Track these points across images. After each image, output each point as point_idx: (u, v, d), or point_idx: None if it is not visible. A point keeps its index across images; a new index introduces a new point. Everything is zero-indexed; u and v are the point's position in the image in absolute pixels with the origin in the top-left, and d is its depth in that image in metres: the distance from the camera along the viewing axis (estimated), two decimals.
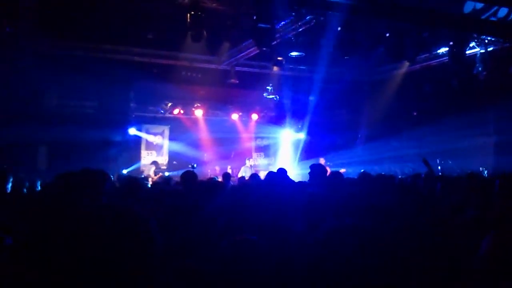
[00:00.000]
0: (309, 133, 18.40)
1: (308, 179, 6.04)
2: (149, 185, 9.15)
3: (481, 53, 12.75)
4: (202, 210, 3.48)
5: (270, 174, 6.66)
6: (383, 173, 10.37)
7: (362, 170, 12.61)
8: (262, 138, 19.38)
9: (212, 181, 4.94)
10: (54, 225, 2.22)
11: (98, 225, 1.40)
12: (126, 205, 1.50)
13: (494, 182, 3.80)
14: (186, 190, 4.57)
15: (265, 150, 19.46)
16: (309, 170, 5.94)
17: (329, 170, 13.80)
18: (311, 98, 16.81)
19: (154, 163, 15.27)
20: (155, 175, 13.93)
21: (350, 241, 1.65)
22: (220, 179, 9.76)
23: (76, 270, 1.34)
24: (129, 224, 1.43)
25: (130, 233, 1.40)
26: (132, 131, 16.22)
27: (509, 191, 3.51)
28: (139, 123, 16.63)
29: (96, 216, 1.45)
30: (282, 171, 6.34)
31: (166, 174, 15.33)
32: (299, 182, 7.03)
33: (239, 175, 13.72)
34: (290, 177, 7.61)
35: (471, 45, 12.54)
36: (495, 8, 10.36)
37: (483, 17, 10.40)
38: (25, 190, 5.95)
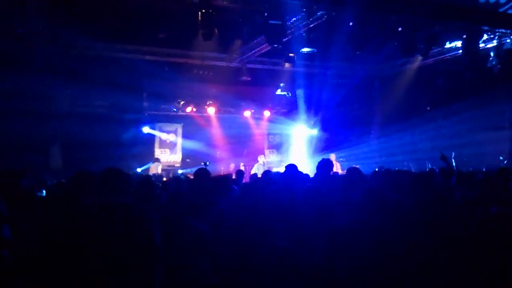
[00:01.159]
0: (321, 129, 18.35)
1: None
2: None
3: (495, 46, 12.60)
4: (215, 207, 3.50)
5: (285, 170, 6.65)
6: (397, 168, 10.31)
7: (377, 167, 12.61)
8: (274, 135, 19.36)
9: (224, 177, 4.95)
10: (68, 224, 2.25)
11: (100, 221, 1.41)
12: (129, 202, 1.50)
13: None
14: (199, 186, 4.61)
15: (278, 147, 19.44)
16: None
17: (339, 166, 13.83)
18: (324, 94, 16.74)
19: (157, 160, 15.38)
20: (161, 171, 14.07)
21: (364, 237, 1.64)
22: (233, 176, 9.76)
23: (79, 265, 1.35)
24: (132, 221, 1.43)
25: (132, 229, 1.41)
26: (146, 129, 16.33)
27: None
28: (153, 121, 16.73)
29: (99, 213, 1.46)
30: (292, 167, 6.31)
31: (179, 172, 15.43)
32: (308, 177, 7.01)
33: (252, 172, 13.71)
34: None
35: (484, 38, 12.39)
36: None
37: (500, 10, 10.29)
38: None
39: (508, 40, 12.42)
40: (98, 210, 1.46)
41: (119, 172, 2.72)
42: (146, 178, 4.95)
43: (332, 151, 15.90)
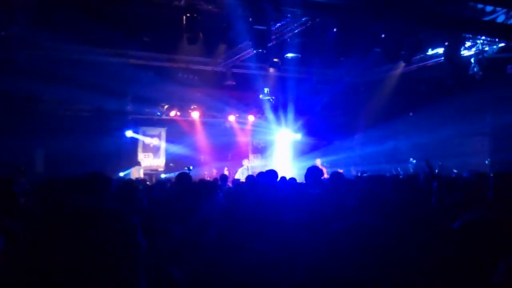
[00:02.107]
0: (306, 134, 18.44)
1: (304, 180, 6.09)
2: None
3: (476, 53, 12.82)
4: (197, 212, 3.49)
5: (261, 174, 6.69)
6: (380, 173, 10.39)
7: (359, 172, 12.72)
8: (259, 139, 19.39)
9: (207, 182, 4.94)
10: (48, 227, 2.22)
11: (82, 226, 1.38)
12: (111, 206, 1.47)
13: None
14: (181, 191, 4.60)
15: (262, 151, 19.47)
16: (304, 171, 5.99)
17: (325, 170, 13.91)
18: (308, 99, 16.85)
19: (138, 164, 15.29)
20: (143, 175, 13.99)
21: (357, 240, 1.63)
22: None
23: (60, 272, 1.32)
24: (114, 225, 1.40)
25: (114, 235, 1.38)
26: (129, 133, 16.20)
27: (505, 190, 3.52)
28: (136, 125, 16.61)
29: (80, 217, 1.43)
30: (272, 173, 6.35)
31: (162, 176, 15.33)
32: (295, 182, 7.05)
33: (236, 177, 13.71)
34: (286, 178, 7.64)
35: (466, 45, 12.61)
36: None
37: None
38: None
39: (487, 48, 12.66)
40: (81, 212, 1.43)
41: (99, 176, 2.71)
42: (128, 182, 4.91)
43: (316, 156, 15.99)
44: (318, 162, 15.14)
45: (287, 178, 7.93)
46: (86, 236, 1.32)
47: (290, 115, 17.88)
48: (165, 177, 14.42)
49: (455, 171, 9.56)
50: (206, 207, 3.62)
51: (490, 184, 3.75)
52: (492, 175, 4.75)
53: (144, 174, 15.58)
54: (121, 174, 14.23)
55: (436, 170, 7.89)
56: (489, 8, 10.89)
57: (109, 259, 1.32)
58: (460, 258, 1.87)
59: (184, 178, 4.99)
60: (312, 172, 5.83)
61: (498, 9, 10.84)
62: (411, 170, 14.95)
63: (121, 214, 1.43)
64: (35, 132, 12.60)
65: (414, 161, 15.34)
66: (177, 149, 16.86)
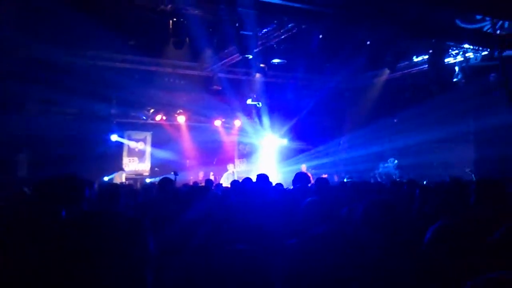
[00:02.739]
0: (291, 139, 18.50)
1: (291, 186, 6.14)
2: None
3: (460, 61, 13.03)
4: (180, 217, 3.48)
5: (248, 180, 6.71)
6: (364, 179, 10.47)
7: (345, 178, 12.81)
8: (245, 144, 19.39)
9: (191, 187, 4.93)
10: (35, 235, 2.20)
11: (88, 233, 1.36)
12: (117, 211, 1.46)
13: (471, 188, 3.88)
14: (163, 197, 4.59)
15: (248, 156, 19.47)
16: (290, 176, 6.04)
17: (311, 176, 13.98)
18: (294, 104, 16.93)
19: (121, 169, 15.18)
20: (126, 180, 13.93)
21: (330, 247, 1.65)
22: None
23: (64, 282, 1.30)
24: (124, 230, 1.39)
25: (124, 239, 1.37)
26: (114, 137, 16.08)
27: (485, 198, 3.57)
28: (121, 129, 16.50)
29: (84, 224, 1.41)
30: (263, 177, 6.37)
31: (147, 180, 15.24)
32: (281, 188, 7.08)
33: (221, 181, 13.68)
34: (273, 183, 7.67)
35: (451, 53, 12.81)
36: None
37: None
38: None
39: (472, 56, 12.86)
40: (77, 220, 1.41)
41: (76, 180, 2.70)
42: (111, 186, 4.89)
43: (302, 161, 16.06)
44: (303, 167, 15.20)
45: (273, 183, 7.97)
46: (103, 243, 1.31)
47: (276, 120, 17.94)
48: (150, 181, 14.35)
49: (424, 182, 9.65)
50: (191, 212, 3.62)
51: (471, 191, 3.80)
52: (475, 181, 4.82)
53: (129, 179, 15.48)
54: (106, 178, 14.11)
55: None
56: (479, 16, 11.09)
57: (122, 265, 1.31)
58: (436, 264, 1.91)
59: (166, 183, 4.97)
60: (300, 178, 5.89)
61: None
62: (392, 170, 15.15)
63: (139, 224, 1.42)
64: (18, 136, 12.44)
65: (396, 161, 15.51)
66: (162, 153, 16.78)
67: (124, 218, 1.42)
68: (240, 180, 9.29)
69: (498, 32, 11.28)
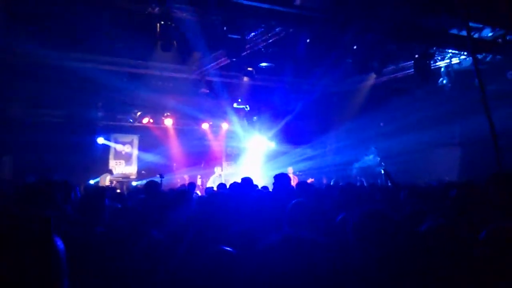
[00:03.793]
0: (279, 142, 18.56)
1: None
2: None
3: (445, 65, 13.17)
4: (166, 221, 3.48)
5: (235, 184, 6.73)
6: (349, 182, 10.51)
7: (332, 181, 12.86)
8: (232, 147, 19.40)
9: (176, 190, 4.92)
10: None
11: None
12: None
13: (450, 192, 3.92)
14: (150, 200, 4.57)
15: (236, 159, 19.48)
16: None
17: (297, 179, 14.03)
18: (282, 108, 16.99)
19: (109, 171, 15.04)
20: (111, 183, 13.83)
21: (296, 252, 1.66)
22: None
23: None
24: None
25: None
26: (100, 140, 15.99)
27: (464, 201, 3.62)
28: (108, 132, 16.41)
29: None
30: (247, 181, 6.39)
31: (134, 184, 15.16)
32: (267, 191, 7.10)
33: (208, 185, 13.66)
34: (258, 186, 7.70)
35: (437, 57, 12.94)
36: None
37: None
38: None
39: (458, 60, 13.02)
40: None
41: (58, 184, 2.69)
42: (95, 189, 4.85)
43: (289, 164, 16.11)
44: (290, 170, 15.24)
45: (260, 186, 7.99)
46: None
47: (264, 123, 17.98)
48: (136, 184, 14.27)
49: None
50: (175, 216, 3.62)
51: (455, 194, 3.84)
52: (463, 183, 4.87)
53: (116, 182, 15.38)
54: (92, 181, 14.01)
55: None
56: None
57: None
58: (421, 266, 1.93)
59: (152, 186, 4.96)
60: (279, 178, 5.93)
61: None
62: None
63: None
64: (2, 139, 12.30)
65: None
66: (149, 156, 16.72)
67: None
68: (227, 183, 9.30)
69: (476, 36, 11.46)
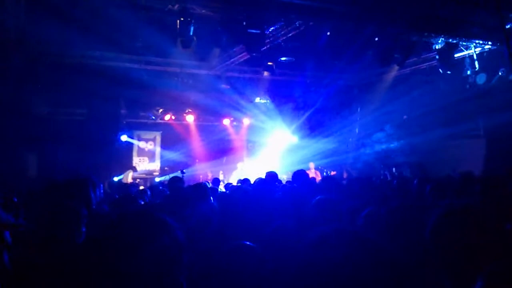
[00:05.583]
0: (301, 137, 18.47)
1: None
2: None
3: (470, 56, 12.89)
4: (190, 216, 3.49)
5: (260, 180, 6.73)
6: (373, 176, 10.42)
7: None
8: (254, 142, 19.40)
9: (198, 186, 4.95)
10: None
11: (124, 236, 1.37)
12: (154, 213, 1.48)
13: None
14: (173, 195, 4.61)
15: (257, 154, 19.48)
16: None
17: (319, 174, 13.96)
18: (303, 102, 16.91)
19: (133, 168, 15.24)
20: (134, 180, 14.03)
21: (341, 246, 1.63)
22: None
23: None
24: (158, 231, 1.40)
25: (157, 241, 1.38)
26: (124, 137, 16.18)
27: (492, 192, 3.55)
28: (131, 129, 16.60)
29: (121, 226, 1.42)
30: (272, 175, 6.38)
31: (157, 179, 15.31)
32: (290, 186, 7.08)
33: (231, 180, 13.71)
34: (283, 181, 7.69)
35: (461, 48, 12.67)
36: None
37: None
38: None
39: (482, 50, 12.72)
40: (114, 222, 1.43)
41: (83, 181, 2.72)
42: (121, 185, 4.91)
43: (310, 159, 16.03)
44: (311, 165, 15.17)
45: (284, 181, 7.98)
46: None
47: (285, 118, 17.92)
48: (159, 180, 14.42)
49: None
50: (198, 211, 3.63)
51: (479, 187, 3.77)
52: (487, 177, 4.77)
53: (140, 179, 15.57)
54: (115, 178, 14.21)
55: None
56: None
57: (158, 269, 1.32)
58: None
59: (176, 181, 5.00)
60: (298, 176, 5.92)
61: None
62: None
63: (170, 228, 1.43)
64: (28, 137, 12.54)
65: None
66: (172, 153, 16.85)
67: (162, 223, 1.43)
68: (250, 179, 9.31)
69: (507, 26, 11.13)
